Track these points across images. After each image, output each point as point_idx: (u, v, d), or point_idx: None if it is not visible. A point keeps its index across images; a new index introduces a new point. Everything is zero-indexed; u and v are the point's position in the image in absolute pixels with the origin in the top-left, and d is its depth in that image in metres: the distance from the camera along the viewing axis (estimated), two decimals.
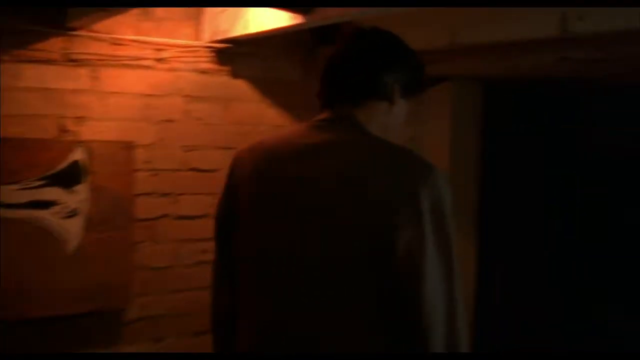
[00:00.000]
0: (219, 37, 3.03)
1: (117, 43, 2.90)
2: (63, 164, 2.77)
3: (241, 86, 3.26)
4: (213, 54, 3.16)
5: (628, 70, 2.80)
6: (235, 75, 3.24)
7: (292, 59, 3.40)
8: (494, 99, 3.64)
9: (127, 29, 2.94)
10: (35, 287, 2.71)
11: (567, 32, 2.23)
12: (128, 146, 2.92)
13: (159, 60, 3.02)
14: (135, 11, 2.92)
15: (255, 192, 1.39)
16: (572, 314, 4.26)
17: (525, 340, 3.96)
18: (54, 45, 2.78)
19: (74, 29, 2.80)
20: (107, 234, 2.85)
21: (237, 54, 3.19)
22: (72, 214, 2.79)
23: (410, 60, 1.45)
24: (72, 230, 2.79)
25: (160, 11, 3.02)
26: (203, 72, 3.14)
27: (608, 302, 4.18)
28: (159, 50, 3.02)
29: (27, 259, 2.70)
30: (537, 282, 4.27)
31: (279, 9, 2.38)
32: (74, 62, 2.83)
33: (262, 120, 3.31)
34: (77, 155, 2.80)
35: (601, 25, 2.15)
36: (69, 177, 2.78)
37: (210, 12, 3.06)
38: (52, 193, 2.74)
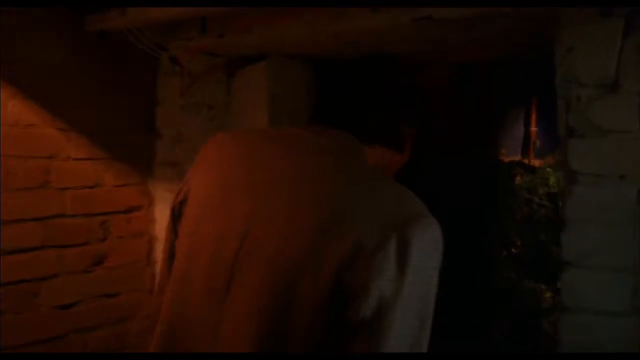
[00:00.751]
0: None
1: None
2: None
3: None
4: None
5: (492, 39, 2.21)
6: None
7: (50, 34, 2.53)
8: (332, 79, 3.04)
9: None
10: None
11: None
12: None
13: None
14: None
15: (213, 180, 1.29)
16: None
17: None
18: None
19: None
20: None
21: None
22: None
23: (424, 103, 1.43)
24: None
25: None
26: None
27: None
28: None
29: None
30: None
31: None
32: None
33: (6, 119, 2.39)
34: None
35: None
36: None
37: None
38: None
